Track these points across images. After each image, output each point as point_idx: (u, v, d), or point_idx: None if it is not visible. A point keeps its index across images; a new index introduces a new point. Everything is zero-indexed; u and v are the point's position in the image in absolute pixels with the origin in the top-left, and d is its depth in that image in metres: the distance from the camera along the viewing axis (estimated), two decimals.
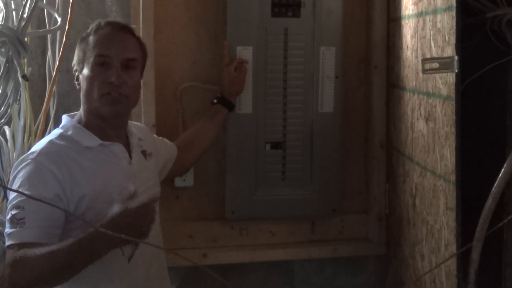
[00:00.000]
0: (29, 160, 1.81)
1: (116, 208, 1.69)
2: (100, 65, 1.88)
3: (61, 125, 1.96)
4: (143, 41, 2.04)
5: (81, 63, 1.93)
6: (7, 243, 1.73)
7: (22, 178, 1.79)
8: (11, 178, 1.83)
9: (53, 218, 1.76)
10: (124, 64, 1.91)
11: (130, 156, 2.00)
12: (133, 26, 2.04)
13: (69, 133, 1.91)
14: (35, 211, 1.73)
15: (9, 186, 1.83)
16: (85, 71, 1.90)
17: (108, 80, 1.87)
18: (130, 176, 1.96)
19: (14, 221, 1.71)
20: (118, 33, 1.94)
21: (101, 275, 1.85)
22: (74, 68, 1.98)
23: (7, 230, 1.73)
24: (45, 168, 1.80)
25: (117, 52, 1.90)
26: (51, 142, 1.87)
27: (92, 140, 1.91)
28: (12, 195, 1.76)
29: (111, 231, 1.61)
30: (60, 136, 1.90)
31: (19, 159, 1.85)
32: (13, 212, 1.72)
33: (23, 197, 1.72)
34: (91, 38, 1.92)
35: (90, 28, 1.97)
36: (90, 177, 1.85)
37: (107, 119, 1.93)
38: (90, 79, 1.89)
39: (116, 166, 1.94)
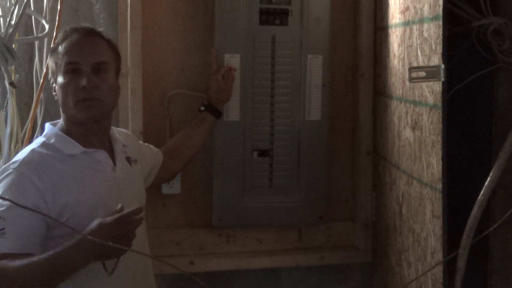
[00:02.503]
0: (10, 170, 1.81)
1: (95, 222, 1.70)
2: (72, 72, 1.89)
3: (43, 133, 1.96)
4: (114, 43, 2.04)
5: (55, 73, 1.94)
6: None
7: (3, 188, 1.78)
8: None
9: (34, 229, 1.76)
10: (95, 68, 1.91)
11: (114, 163, 1.99)
12: (100, 29, 2.04)
13: (51, 141, 1.91)
14: (16, 222, 1.72)
15: None
16: (59, 79, 1.91)
17: (80, 85, 1.87)
18: (114, 183, 1.96)
19: None
20: (85, 38, 1.95)
21: (85, 283, 1.85)
22: (51, 81, 1.98)
23: None
24: (26, 178, 1.79)
25: (86, 57, 1.90)
26: (33, 151, 1.87)
27: (75, 148, 1.91)
28: None
29: (90, 244, 1.63)
30: (43, 145, 1.90)
31: (1, 168, 1.85)
32: None
33: (4, 207, 1.72)
34: (60, 48, 1.92)
35: (58, 37, 1.97)
36: (73, 185, 1.85)
37: (86, 125, 1.93)
38: (64, 87, 1.89)
39: (99, 173, 1.94)
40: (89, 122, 1.93)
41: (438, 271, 1.95)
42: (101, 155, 1.96)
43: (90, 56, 1.91)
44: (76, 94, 1.88)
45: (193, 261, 2.61)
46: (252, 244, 2.73)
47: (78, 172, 1.89)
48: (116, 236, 1.68)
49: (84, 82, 1.87)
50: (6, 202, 1.71)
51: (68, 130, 1.94)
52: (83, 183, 1.87)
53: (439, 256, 1.93)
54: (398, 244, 2.35)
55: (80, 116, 1.90)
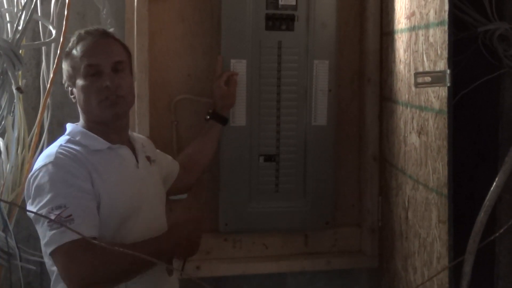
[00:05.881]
0: (49, 164, 1.82)
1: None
2: (92, 74, 1.92)
3: (67, 132, 1.99)
4: (124, 42, 2.08)
5: (72, 77, 1.96)
6: (60, 242, 1.72)
7: (50, 180, 1.80)
8: (33, 189, 1.82)
9: (94, 210, 1.82)
10: (114, 68, 1.94)
11: (137, 160, 2.02)
12: (110, 29, 2.06)
13: (77, 138, 1.94)
14: (80, 206, 1.77)
15: (27, 197, 1.85)
16: (79, 82, 1.93)
17: (103, 86, 1.90)
18: (138, 179, 1.99)
19: (60, 220, 1.72)
20: (100, 39, 1.98)
21: None
22: (66, 84, 2.00)
23: (53, 232, 1.73)
24: (66, 166, 1.83)
25: (105, 58, 1.94)
26: (62, 146, 1.90)
27: (100, 143, 1.94)
28: (45, 198, 1.76)
29: (172, 244, 1.90)
30: (69, 141, 1.93)
31: (34, 170, 1.86)
32: (57, 212, 1.73)
33: (60, 197, 1.76)
34: (75, 51, 1.95)
35: (71, 41, 2.00)
36: (105, 178, 1.88)
37: (108, 123, 1.96)
38: (86, 89, 1.92)
39: (125, 168, 1.98)
40: (112, 120, 1.96)
41: (444, 277, 1.94)
42: (125, 151, 2.00)
43: (109, 57, 1.95)
44: (100, 95, 1.91)
45: (199, 266, 2.61)
46: (259, 249, 2.73)
47: (107, 166, 1.92)
48: (196, 236, 2.00)
49: (107, 82, 1.90)
50: (61, 191, 1.77)
51: (90, 129, 1.97)
52: (112, 178, 1.91)
53: (445, 261, 1.93)
54: (404, 249, 2.35)
55: (104, 115, 1.94)
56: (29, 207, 1.83)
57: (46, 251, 1.77)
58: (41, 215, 1.73)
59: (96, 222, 1.81)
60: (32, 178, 1.84)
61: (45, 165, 1.83)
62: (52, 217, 1.73)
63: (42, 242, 1.78)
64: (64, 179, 1.80)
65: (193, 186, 2.52)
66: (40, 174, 1.82)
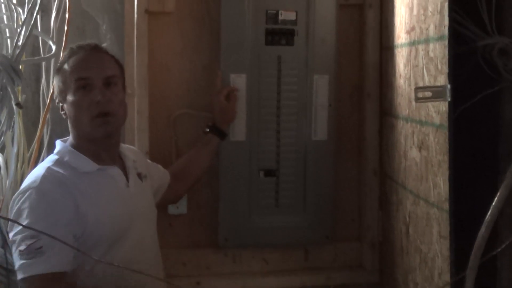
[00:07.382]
0: (31, 190, 1.80)
1: None
2: (83, 88, 1.89)
3: (55, 151, 1.96)
4: (117, 58, 2.06)
5: (63, 92, 1.94)
6: (26, 274, 1.71)
7: (28, 208, 1.77)
8: (13, 212, 1.80)
9: (69, 243, 1.75)
10: (105, 82, 1.92)
11: (127, 179, 2.00)
12: (103, 44, 2.05)
13: (65, 159, 1.91)
14: (51, 240, 1.71)
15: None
16: (69, 97, 1.91)
17: (94, 100, 1.87)
18: (129, 198, 1.97)
19: (31, 251, 1.70)
20: (92, 53, 1.97)
21: None
22: (57, 100, 1.98)
23: (22, 261, 1.71)
24: (49, 193, 1.80)
25: (97, 72, 1.91)
26: (49, 168, 1.87)
27: (90, 165, 1.91)
28: (18, 226, 1.74)
29: None
30: (57, 162, 1.90)
31: (18, 191, 1.84)
32: (29, 242, 1.71)
33: (34, 226, 1.71)
34: (66, 66, 1.93)
35: (63, 57, 1.98)
36: (92, 202, 1.86)
37: (99, 141, 1.94)
38: (76, 104, 1.89)
39: (115, 190, 1.96)
40: (104, 138, 1.94)
41: None
42: (115, 171, 1.98)
43: (100, 71, 1.92)
44: (91, 110, 1.89)
45: (199, 282, 2.60)
46: (258, 264, 2.72)
47: (95, 189, 1.89)
48: None
49: (98, 97, 1.87)
50: (38, 221, 1.74)
51: (79, 147, 1.95)
52: (100, 200, 1.88)
53: (447, 277, 1.92)
54: (405, 264, 2.34)
55: (96, 133, 1.91)
56: (9, 227, 1.82)
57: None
58: (45, 233, 1.72)
59: (69, 257, 1.76)
60: (16, 200, 1.82)
61: (28, 189, 1.81)
62: (23, 246, 1.71)
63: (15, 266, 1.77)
64: (44, 208, 1.78)
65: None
66: (23, 199, 1.80)
